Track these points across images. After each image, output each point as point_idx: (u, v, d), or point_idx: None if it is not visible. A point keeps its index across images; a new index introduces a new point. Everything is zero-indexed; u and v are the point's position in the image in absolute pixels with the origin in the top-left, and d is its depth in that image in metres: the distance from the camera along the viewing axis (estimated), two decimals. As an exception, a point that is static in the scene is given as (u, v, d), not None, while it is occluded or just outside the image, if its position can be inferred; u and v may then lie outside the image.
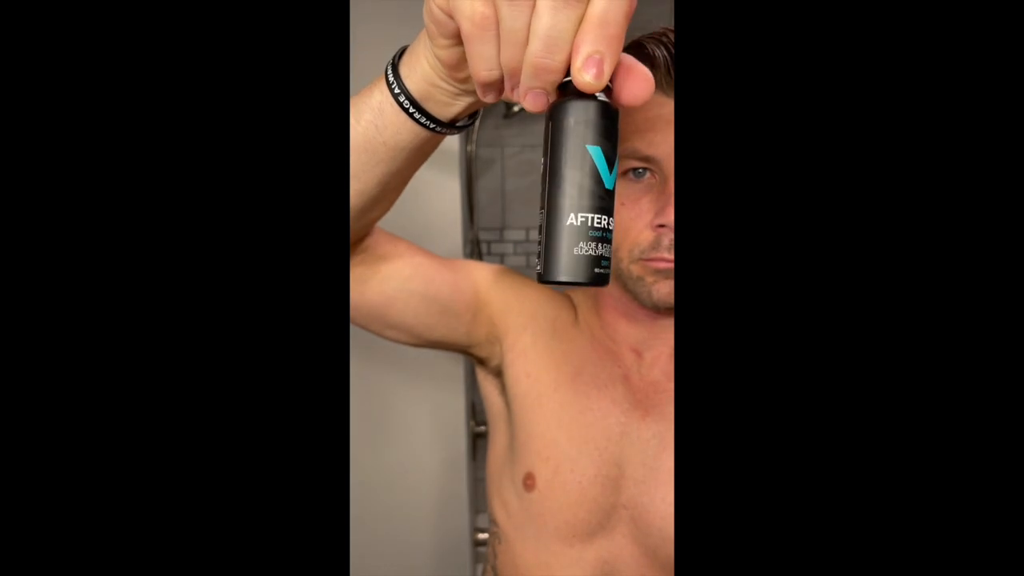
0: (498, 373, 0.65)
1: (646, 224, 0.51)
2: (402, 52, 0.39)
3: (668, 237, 0.50)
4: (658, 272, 0.52)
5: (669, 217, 0.49)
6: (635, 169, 0.52)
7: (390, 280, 0.55)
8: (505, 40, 0.27)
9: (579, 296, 0.66)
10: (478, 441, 1.12)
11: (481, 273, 0.63)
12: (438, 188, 0.93)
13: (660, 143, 0.49)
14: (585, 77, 0.26)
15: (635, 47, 0.52)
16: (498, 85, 0.30)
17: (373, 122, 0.40)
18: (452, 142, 0.92)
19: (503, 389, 0.65)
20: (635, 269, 0.53)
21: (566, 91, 0.27)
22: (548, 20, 0.25)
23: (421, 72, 0.36)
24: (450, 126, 0.40)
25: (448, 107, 0.38)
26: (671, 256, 0.50)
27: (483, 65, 0.28)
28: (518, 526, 0.62)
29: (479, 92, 0.32)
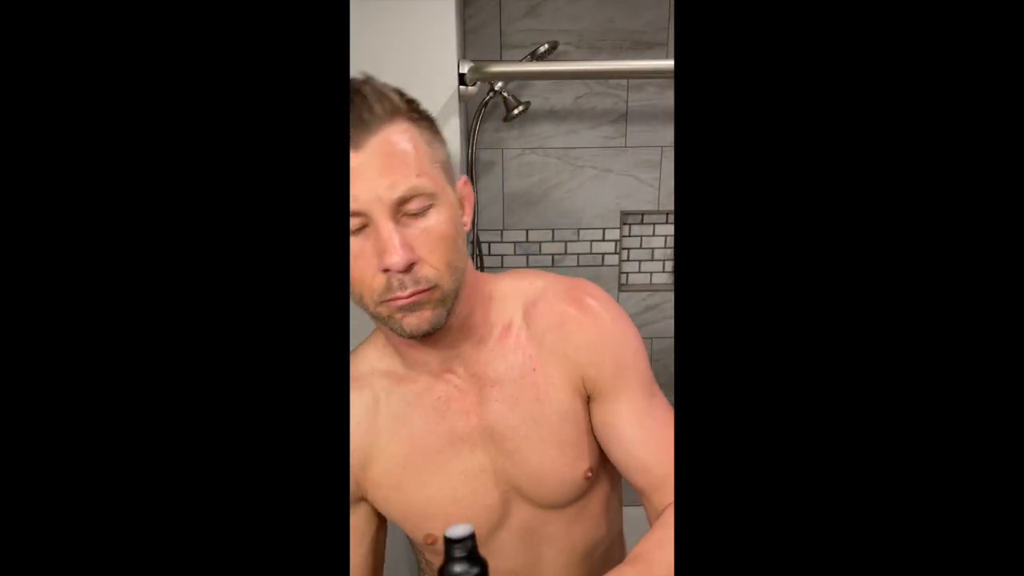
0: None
1: (375, 271, 0.55)
2: None
3: (396, 278, 0.55)
4: (401, 309, 0.57)
5: (387, 260, 0.54)
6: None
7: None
8: None
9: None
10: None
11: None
12: (438, 190, 0.93)
13: (359, 195, 0.53)
14: None
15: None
16: None
17: None
18: (454, 144, 0.92)
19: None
20: (381, 311, 0.58)
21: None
22: None
23: None
24: None
25: None
26: (404, 292, 0.56)
27: None
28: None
29: None
